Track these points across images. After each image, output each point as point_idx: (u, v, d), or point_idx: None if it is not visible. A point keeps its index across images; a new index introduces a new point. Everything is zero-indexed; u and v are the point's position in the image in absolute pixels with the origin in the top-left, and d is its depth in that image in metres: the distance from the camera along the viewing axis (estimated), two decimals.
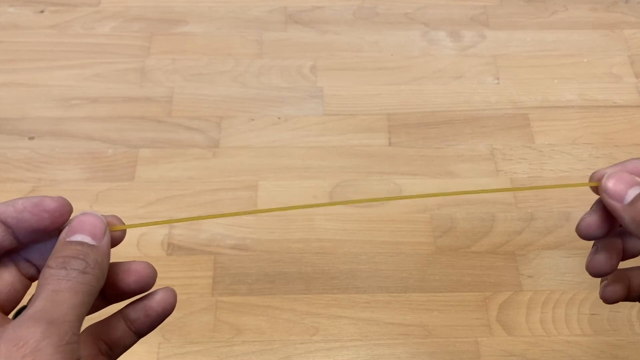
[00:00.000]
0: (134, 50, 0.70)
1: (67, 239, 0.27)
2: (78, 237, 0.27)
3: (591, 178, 0.30)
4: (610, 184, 0.28)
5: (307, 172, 0.61)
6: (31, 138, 0.63)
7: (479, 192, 0.28)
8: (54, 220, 0.27)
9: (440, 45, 0.71)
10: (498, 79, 0.69)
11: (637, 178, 0.28)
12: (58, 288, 0.25)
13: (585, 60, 0.70)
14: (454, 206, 0.59)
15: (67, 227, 0.27)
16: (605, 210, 0.29)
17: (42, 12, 0.73)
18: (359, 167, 0.62)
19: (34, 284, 0.27)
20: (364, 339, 0.52)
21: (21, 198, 0.28)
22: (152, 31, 0.72)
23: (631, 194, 0.28)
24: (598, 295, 0.32)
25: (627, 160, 0.30)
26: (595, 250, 0.31)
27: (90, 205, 0.58)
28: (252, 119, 0.65)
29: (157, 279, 0.29)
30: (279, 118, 0.65)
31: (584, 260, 0.27)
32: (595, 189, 0.30)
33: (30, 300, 0.25)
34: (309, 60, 0.70)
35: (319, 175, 0.61)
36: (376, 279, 0.55)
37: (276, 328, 0.53)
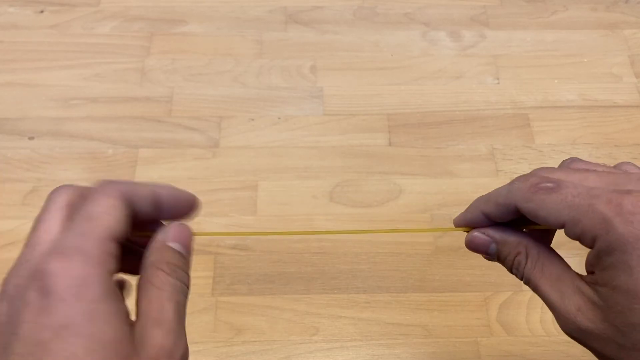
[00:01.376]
0: (134, 50, 0.70)
1: (168, 244, 0.28)
2: (177, 246, 0.28)
3: (454, 222, 0.33)
4: (472, 247, 0.32)
5: (307, 172, 0.61)
6: (31, 138, 0.63)
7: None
8: (180, 214, 0.29)
9: (440, 45, 0.71)
10: (498, 79, 0.69)
11: (489, 234, 0.31)
12: (176, 299, 0.26)
13: (585, 60, 0.70)
14: (454, 206, 0.59)
15: (166, 231, 0.28)
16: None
17: (42, 12, 0.73)
18: (359, 167, 0.62)
19: None
20: (364, 339, 0.52)
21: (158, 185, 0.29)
22: (152, 31, 0.72)
23: (492, 249, 0.31)
24: None
25: (473, 204, 0.32)
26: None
27: None
28: (252, 119, 0.65)
29: None
30: (279, 118, 0.65)
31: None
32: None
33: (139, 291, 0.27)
34: (309, 60, 0.70)
35: (319, 175, 0.61)
36: (376, 279, 0.55)
37: (276, 328, 0.53)
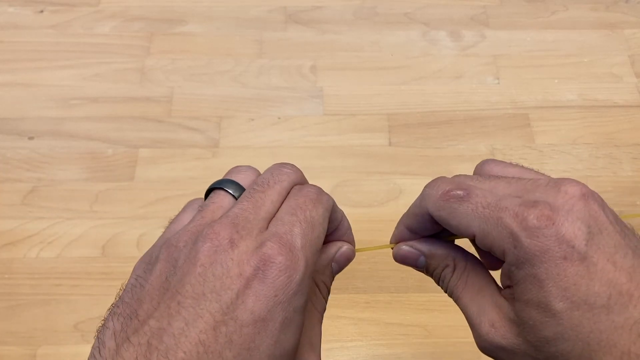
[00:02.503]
0: (134, 50, 0.70)
1: (333, 263, 0.31)
2: (335, 267, 0.32)
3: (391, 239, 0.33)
4: (399, 259, 0.32)
5: (307, 172, 0.61)
6: (31, 138, 0.63)
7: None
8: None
9: (440, 45, 0.71)
10: (498, 78, 0.69)
11: (416, 247, 0.32)
12: (321, 321, 0.30)
13: (585, 60, 0.70)
14: None
15: (338, 249, 0.31)
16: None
17: (42, 12, 0.73)
18: (359, 167, 0.61)
19: None
20: (364, 339, 0.52)
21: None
22: (152, 31, 0.72)
23: (421, 262, 0.32)
24: None
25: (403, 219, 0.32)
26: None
27: (90, 205, 0.58)
28: (252, 119, 0.65)
29: None
30: (279, 118, 0.65)
31: None
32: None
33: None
34: (309, 60, 0.70)
35: (319, 175, 0.61)
36: (376, 279, 0.55)
37: None
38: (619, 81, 0.68)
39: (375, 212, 0.59)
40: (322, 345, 0.54)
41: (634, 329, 0.24)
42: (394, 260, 0.32)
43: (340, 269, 0.31)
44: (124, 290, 0.26)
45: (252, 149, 0.63)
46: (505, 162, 0.31)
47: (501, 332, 0.27)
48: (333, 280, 0.31)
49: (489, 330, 0.27)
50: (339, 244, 0.31)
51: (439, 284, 0.32)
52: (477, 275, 0.30)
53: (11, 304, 0.53)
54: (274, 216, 0.27)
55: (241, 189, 0.28)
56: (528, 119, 0.65)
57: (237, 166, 0.31)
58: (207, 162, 0.62)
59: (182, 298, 0.24)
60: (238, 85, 0.68)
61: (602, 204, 0.27)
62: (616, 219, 0.27)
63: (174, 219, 0.29)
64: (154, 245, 0.27)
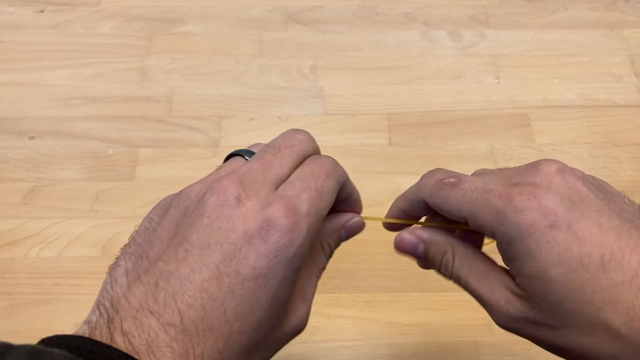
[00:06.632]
0: (134, 49, 0.70)
1: (342, 230, 0.33)
2: (344, 234, 0.33)
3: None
4: (401, 247, 0.33)
5: None
6: (31, 138, 0.63)
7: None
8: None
9: (440, 45, 0.71)
10: (498, 78, 0.69)
11: (417, 235, 0.33)
12: (319, 277, 0.31)
13: (585, 59, 0.70)
14: None
15: (349, 219, 0.33)
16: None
17: (42, 11, 0.73)
18: (359, 166, 0.62)
19: None
20: (364, 339, 0.52)
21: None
22: (152, 31, 0.72)
23: (420, 250, 0.33)
24: None
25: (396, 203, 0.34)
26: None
27: (90, 204, 0.58)
28: (252, 119, 0.65)
29: None
30: (279, 118, 0.65)
31: None
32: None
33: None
34: (309, 60, 0.70)
35: None
36: (376, 279, 0.55)
37: None
38: (618, 81, 0.69)
39: (375, 211, 0.59)
40: (322, 345, 0.54)
41: (633, 284, 0.25)
42: (394, 248, 0.34)
43: (348, 236, 0.33)
44: (137, 231, 0.28)
45: None
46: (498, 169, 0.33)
47: (517, 307, 0.28)
48: (339, 245, 0.33)
49: (506, 308, 0.28)
50: (351, 214, 0.33)
51: (439, 271, 0.33)
52: (479, 260, 0.31)
53: (11, 304, 0.53)
54: (283, 180, 0.28)
55: None
56: (528, 119, 0.65)
57: (258, 143, 0.32)
58: (208, 161, 0.62)
59: (189, 246, 0.25)
60: (238, 85, 0.68)
61: (582, 177, 0.28)
62: (598, 188, 0.28)
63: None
64: (171, 194, 0.29)
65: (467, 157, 0.62)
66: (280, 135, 0.31)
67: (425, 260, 0.33)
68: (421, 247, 0.33)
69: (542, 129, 0.65)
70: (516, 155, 0.63)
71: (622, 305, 0.25)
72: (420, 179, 0.32)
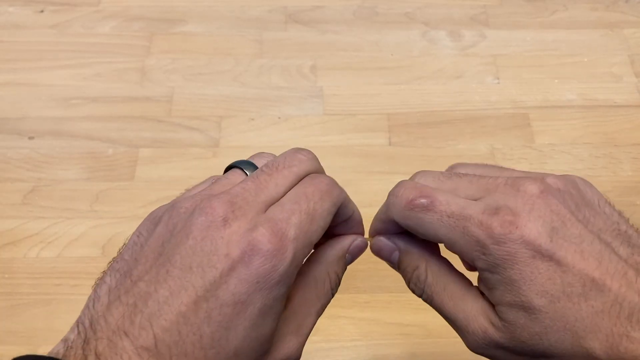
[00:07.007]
0: (134, 49, 0.70)
1: (347, 254, 0.32)
2: (349, 259, 0.32)
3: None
4: (375, 251, 0.33)
5: None
6: (31, 138, 0.63)
7: None
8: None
9: (440, 45, 0.71)
10: (498, 78, 0.69)
11: (394, 241, 0.32)
12: (320, 314, 0.30)
13: (585, 59, 0.70)
14: None
15: (353, 241, 0.32)
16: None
17: (42, 11, 0.73)
18: (359, 167, 0.61)
19: None
20: (364, 339, 0.52)
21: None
22: (152, 31, 0.72)
23: (394, 257, 0.32)
24: None
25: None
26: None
27: (90, 204, 0.58)
28: (252, 119, 0.65)
29: None
30: (279, 118, 0.65)
31: None
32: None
33: None
34: (309, 60, 0.70)
35: None
36: (376, 279, 0.55)
37: None
38: (618, 81, 0.68)
39: (375, 212, 0.59)
40: (322, 345, 0.54)
41: (612, 311, 0.25)
42: (371, 250, 0.33)
43: (353, 259, 0.32)
44: (126, 246, 0.27)
45: (253, 148, 0.62)
46: (473, 164, 0.32)
47: (496, 337, 0.27)
48: (345, 270, 0.31)
49: (483, 336, 0.28)
50: (353, 236, 0.32)
51: (410, 287, 0.32)
52: (455, 280, 0.30)
53: (11, 304, 0.53)
54: (277, 200, 0.27)
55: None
56: (528, 119, 0.65)
57: (261, 152, 0.31)
58: (208, 161, 0.62)
59: (171, 267, 0.24)
60: (238, 85, 0.68)
61: (561, 196, 0.27)
62: (579, 205, 0.27)
63: (189, 188, 0.30)
64: (164, 205, 0.28)
65: (467, 157, 0.62)
66: (282, 154, 0.30)
67: (398, 270, 0.33)
68: (396, 255, 0.32)
69: (542, 129, 0.65)
70: (516, 156, 0.62)
71: (602, 334, 0.24)
72: (388, 197, 0.31)
